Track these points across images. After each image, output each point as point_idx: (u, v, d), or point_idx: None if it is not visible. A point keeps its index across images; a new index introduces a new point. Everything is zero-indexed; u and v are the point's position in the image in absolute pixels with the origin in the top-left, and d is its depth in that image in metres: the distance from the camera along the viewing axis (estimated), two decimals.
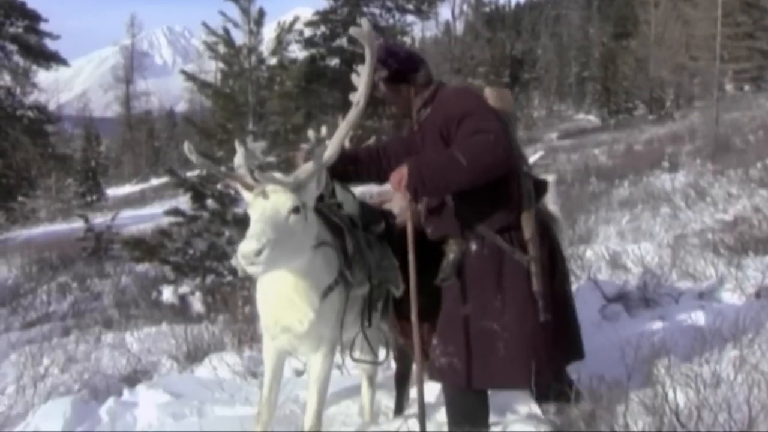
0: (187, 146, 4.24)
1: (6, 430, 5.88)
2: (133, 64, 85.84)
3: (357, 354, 5.09)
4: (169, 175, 13.80)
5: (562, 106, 72.44)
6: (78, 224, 22.38)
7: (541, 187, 4.63)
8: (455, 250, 4.48)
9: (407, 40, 44.96)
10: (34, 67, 36.18)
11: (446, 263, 4.49)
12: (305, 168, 4.24)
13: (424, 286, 4.46)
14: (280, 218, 4.04)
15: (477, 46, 64.89)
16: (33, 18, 35.60)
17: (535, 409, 4.63)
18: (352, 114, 4.39)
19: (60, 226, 32.30)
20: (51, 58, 36.13)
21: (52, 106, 40.29)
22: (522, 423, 4.53)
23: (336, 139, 4.40)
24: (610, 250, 9.03)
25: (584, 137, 41.64)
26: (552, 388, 4.32)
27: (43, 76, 38.22)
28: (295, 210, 4.08)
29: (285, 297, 4.42)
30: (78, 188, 54.31)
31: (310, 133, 4.69)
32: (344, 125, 4.39)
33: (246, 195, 4.29)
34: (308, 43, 40.70)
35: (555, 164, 27.03)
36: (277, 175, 4.24)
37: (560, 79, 72.06)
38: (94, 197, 53.37)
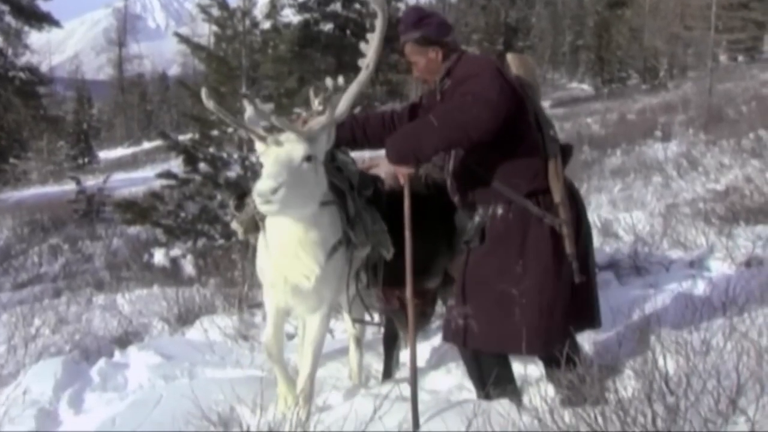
0: (204, 92, 4.38)
1: None
2: (125, 27, 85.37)
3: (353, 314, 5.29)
4: (162, 138, 13.76)
5: (556, 75, 72.28)
6: (70, 186, 22.37)
7: (567, 151, 4.68)
8: (481, 214, 4.51)
9: (401, 5, 44.70)
10: (26, 28, 35.90)
11: (471, 226, 4.55)
12: (318, 120, 4.40)
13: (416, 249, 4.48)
14: (294, 164, 4.20)
15: (471, 13, 64.94)
16: None
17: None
18: (363, 75, 4.53)
19: (52, 188, 32.28)
20: (43, 19, 35.84)
21: (44, 68, 40.12)
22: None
23: (347, 96, 4.51)
24: (602, 218, 9.05)
25: (577, 106, 41.61)
26: (562, 354, 4.33)
27: (35, 37, 37.97)
28: (308, 159, 4.26)
29: (291, 252, 4.53)
30: (70, 151, 54.21)
31: (328, 82, 4.54)
32: (355, 85, 4.50)
33: (259, 145, 4.42)
34: (302, 7, 40.54)
35: None
36: (293, 124, 4.37)
37: (554, 47, 71.81)
38: (86, 160, 53.27)
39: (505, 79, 4.33)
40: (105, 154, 57.64)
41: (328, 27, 41.55)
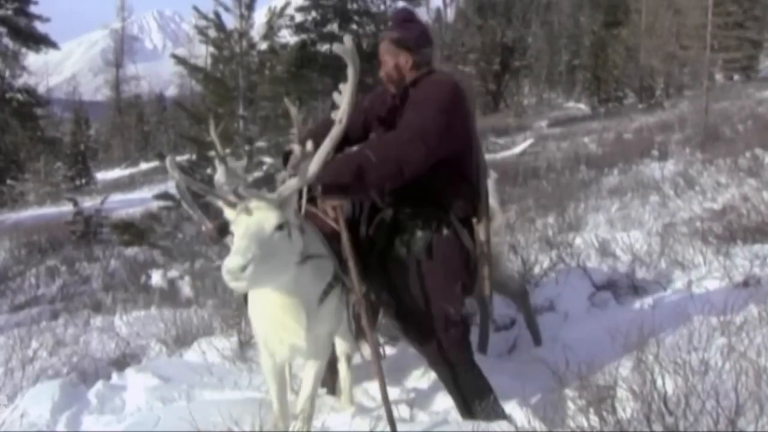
0: (169, 161, 4.22)
1: None
2: (123, 48, 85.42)
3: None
4: (159, 160, 13.86)
5: (552, 94, 72.41)
6: (67, 208, 22.33)
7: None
8: (425, 231, 4.58)
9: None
10: (24, 49, 36.02)
11: (415, 240, 4.59)
12: (288, 185, 4.10)
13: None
14: (265, 235, 3.91)
15: (468, 32, 64.94)
16: (23, 0, 35.45)
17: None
18: (336, 131, 4.18)
19: (49, 210, 32.24)
20: (41, 41, 35.98)
21: (41, 90, 40.23)
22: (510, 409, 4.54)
23: (319, 155, 4.15)
24: (599, 237, 9.05)
25: (574, 125, 41.60)
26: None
27: (32, 59, 38.10)
28: (280, 227, 3.95)
29: (275, 319, 4.38)
30: (67, 172, 54.19)
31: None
32: (328, 142, 4.16)
33: (228, 212, 4.12)
34: (299, 28, 40.54)
35: (545, 152, 27.06)
36: (261, 192, 4.10)
37: (550, 67, 71.98)
38: (83, 181, 53.24)
39: (456, 114, 4.43)
40: (102, 175, 57.63)
41: (325, 47, 41.57)
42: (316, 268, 4.37)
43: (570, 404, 4.34)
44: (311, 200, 4.57)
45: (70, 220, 18.19)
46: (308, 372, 4.76)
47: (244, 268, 3.70)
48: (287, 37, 38.97)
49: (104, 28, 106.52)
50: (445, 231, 4.58)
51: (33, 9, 35.81)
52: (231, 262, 3.71)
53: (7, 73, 35.61)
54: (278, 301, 4.27)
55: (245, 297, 4.73)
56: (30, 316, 9.65)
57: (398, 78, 4.71)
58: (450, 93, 4.50)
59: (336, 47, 4.06)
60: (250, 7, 13.42)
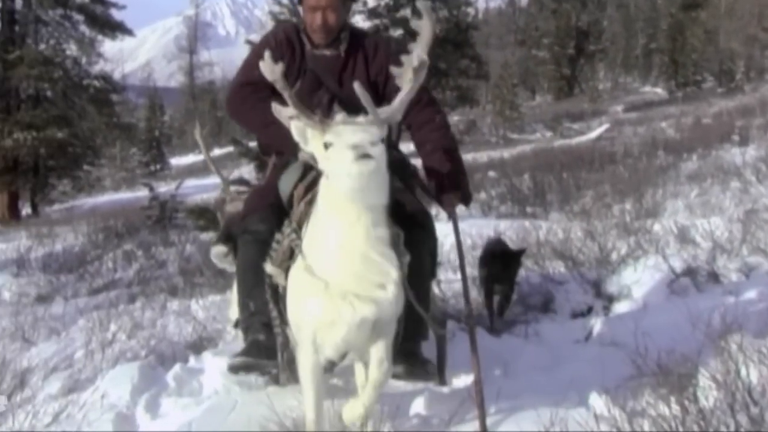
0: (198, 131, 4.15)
1: (76, 393, 5.94)
2: (196, 35, 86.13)
3: None
4: (233, 145, 13.86)
5: (628, 79, 71.67)
6: (142, 193, 22.58)
7: None
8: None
9: (470, 11, 44.56)
10: (100, 36, 36.42)
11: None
12: (387, 109, 3.86)
13: None
14: (378, 135, 3.63)
15: (541, 17, 64.66)
16: None
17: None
18: (417, 81, 3.93)
19: (125, 195, 32.75)
20: (116, 28, 36.33)
21: (117, 76, 40.65)
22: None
23: (399, 99, 3.91)
24: (678, 224, 8.90)
25: (651, 110, 41.13)
26: None
27: (108, 45, 38.41)
28: (382, 140, 3.65)
29: (358, 255, 3.76)
30: (142, 157, 55.04)
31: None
32: (414, 85, 3.93)
33: (316, 135, 3.77)
34: (371, 13, 40.47)
35: (621, 137, 26.79)
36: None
37: (626, 50, 71.29)
38: (158, 166, 54.01)
39: None
40: (176, 161, 58.27)
41: (397, 32, 41.48)
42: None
43: (650, 392, 4.26)
44: None
45: (146, 205, 18.36)
46: (376, 355, 4.08)
47: (374, 144, 3.51)
48: (360, 22, 39.06)
49: (178, 15, 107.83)
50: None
51: None
52: (359, 136, 3.51)
53: (84, 60, 36.01)
54: (365, 235, 3.73)
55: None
56: (108, 300, 9.76)
57: (334, 30, 4.72)
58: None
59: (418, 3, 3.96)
60: None
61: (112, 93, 36.74)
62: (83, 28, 35.61)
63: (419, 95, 4.35)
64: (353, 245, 3.75)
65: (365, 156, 3.46)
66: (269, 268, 4.32)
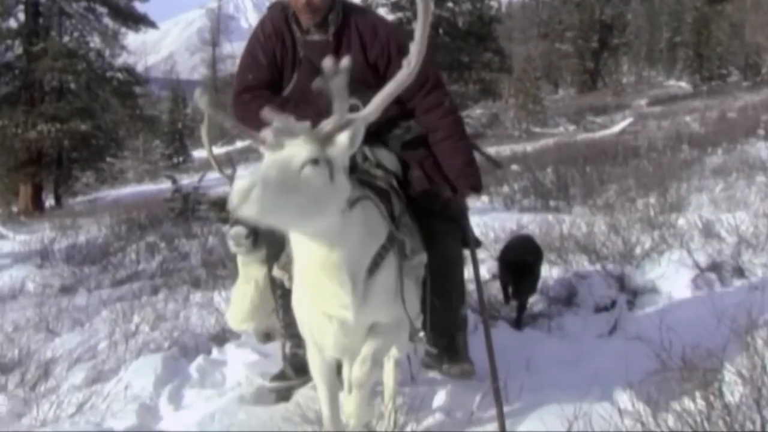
0: (198, 92, 3.73)
1: (99, 384, 5.97)
2: (219, 27, 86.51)
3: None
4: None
5: (652, 73, 71.40)
6: (165, 185, 22.70)
7: None
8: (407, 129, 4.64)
9: (494, 4, 44.52)
10: (123, 29, 36.60)
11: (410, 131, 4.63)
12: (332, 119, 3.40)
13: None
14: (290, 166, 3.19)
15: (565, 10, 64.42)
16: None
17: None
18: (403, 74, 3.52)
19: (147, 187, 32.86)
20: (140, 21, 36.54)
21: (140, 68, 40.85)
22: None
23: (380, 97, 3.53)
24: (702, 218, 8.83)
25: (675, 104, 40.90)
26: None
27: (131, 38, 38.64)
28: (313, 162, 3.23)
29: (315, 283, 3.63)
30: (165, 150, 55.33)
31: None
32: (392, 84, 3.53)
33: (262, 150, 3.47)
34: (395, 6, 40.50)
35: (645, 131, 26.65)
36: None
37: (650, 44, 70.99)
38: (181, 159, 54.28)
39: None
40: (199, 153, 58.31)
41: None
42: (370, 217, 3.73)
43: (675, 387, 4.24)
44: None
45: (169, 197, 18.39)
46: (362, 353, 3.92)
47: (249, 190, 3.00)
48: (383, 15, 39.03)
49: (201, 8, 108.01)
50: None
51: None
52: (237, 185, 3.07)
53: (107, 53, 36.23)
54: (318, 257, 3.52)
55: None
56: (131, 291, 9.79)
57: (320, 9, 4.42)
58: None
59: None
60: None
61: (135, 85, 37.02)
62: (107, 21, 35.92)
63: (425, 76, 4.29)
64: (305, 268, 3.66)
65: (241, 202, 3.06)
66: (276, 270, 4.26)
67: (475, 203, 12.29)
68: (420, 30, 3.42)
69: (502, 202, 13.13)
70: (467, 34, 40.36)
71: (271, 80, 4.60)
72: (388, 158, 4.48)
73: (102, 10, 35.77)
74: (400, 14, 40.40)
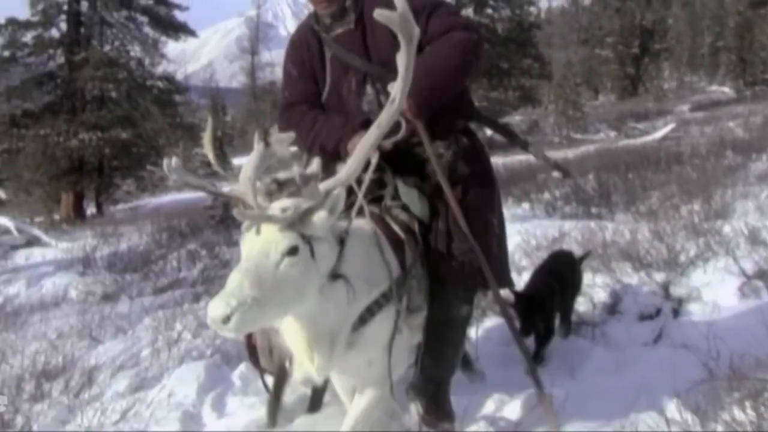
0: (166, 164, 3.68)
1: (143, 391, 5.99)
2: (258, 35, 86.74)
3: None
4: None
5: (694, 78, 70.95)
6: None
7: None
8: (446, 146, 4.22)
9: (533, 10, 44.43)
10: (163, 38, 36.87)
11: (446, 159, 4.18)
12: (309, 191, 3.33)
13: None
14: (268, 266, 3.14)
15: (605, 15, 64.23)
16: None
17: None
18: (385, 116, 3.43)
19: (188, 195, 32.90)
20: (180, 29, 36.79)
21: (179, 77, 41.07)
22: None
23: (360, 150, 3.47)
24: (748, 225, 8.72)
25: (718, 109, 40.54)
26: None
27: (170, 46, 38.88)
28: (291, 251, 3.18)
29: (299, 346, 3.58)
30: (204, 157, 55.39)
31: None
32: (374, 130, 3.45)
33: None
34: None
35: (687, 137, 26.44)
36: (275, 206, 3.32)
37: (692, 49, 70.53)
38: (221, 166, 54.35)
39: None
40: (238, 161, 58.43)
41: None
42: (359, 282, 3.56)
43: (723, 397, 4.18)
44: (375, 200, 4.09)
45: (209, 205, 18.46)
46: (357, 400, 3.99)
47: (227, 319, 2.97)
48: None
49: (239, 16, 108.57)
50: (465, 140, 4.31)
51: None
52: (213, 310, 3.00)
53: (147, 61, 36.49)
54: (299, 327, 3.51)
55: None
56: (173, 299, 9.80)
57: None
58: None
59: (377, 14, 3.21)
60: None
61: (175, 93, 37.25)
62: (147, 30, 36.20)
63: (448, 26, 4.09)
64: (295, 336, 3.57)
65: (221, 330, 3.04)
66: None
67: (516, 210, 12.27)
68: (404, 64, 3.34)
69: (543, 209, 13.07)
70: (507, 40, 40.30)
71: (305, 92, 4.47)
72: (417, 201, 4.18)
73: (142, 19, 36.06)
74: None
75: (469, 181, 4.21)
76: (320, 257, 3.33)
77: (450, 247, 4.11)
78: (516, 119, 47.92)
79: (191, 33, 37.57)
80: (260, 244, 3.20)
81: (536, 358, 5.63)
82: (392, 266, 3.81)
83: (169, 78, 37.11)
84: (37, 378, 6.41)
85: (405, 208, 4.16)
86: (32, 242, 17.99)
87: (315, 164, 3.75)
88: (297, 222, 3.24)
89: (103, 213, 33.81)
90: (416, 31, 3.29)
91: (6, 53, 33.70)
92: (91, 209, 35.26)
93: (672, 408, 4.23)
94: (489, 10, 41.25)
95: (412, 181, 4.22)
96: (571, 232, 9.58)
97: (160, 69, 37.17)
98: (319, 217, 3.28)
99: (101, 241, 16.30)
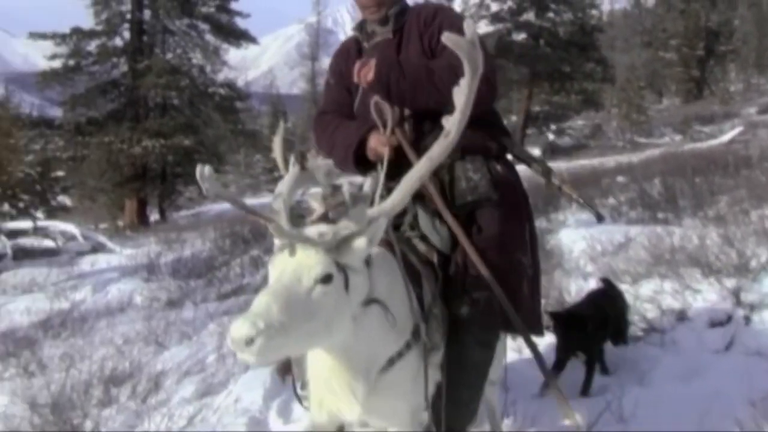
0: (199, 171, 3.29)
1: (209, 397, 6.04)
2: (318, 42, 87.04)
3: None
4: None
5: (762, 80, 69.78)
6: (267, 199, 22.80)
7: None
8: (476, 169, 3.91)
9: (595, 12, 44.09)
10: (225, 45, 37.21)
11: (474, 182, 3.88)
12: (356, 214, 3.08)
13: None
14: (300, 291, 2.87)
15: (669, 17, 63.54)
16: None
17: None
18: (438, 149, 3.13)
19: (250, 201, 33.09)
20: (241, 36, 37.14)
21: (240, 84, 41.38)
22: None
23: (407, 182, 3.16)
24: None
25: None
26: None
27: (231, 53, 39.23)
28: (325, 279, 2.91)
29: (326, 383, 3.38)
30: (266, 164, 55.72)
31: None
32: (424, 163, 3.14)
33: (276, 240, 3.14)
34: (495, 18, 40.39)
35: (756, 140, 26.04)
36: (311, 230, 3.09)
37: (759, 50, 69.38)
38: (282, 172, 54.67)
39: None
40: None
41: (521, 37, 41.29)
42: (387, 320, 3.27)
43: None
44: (393, 228, 3.66)
45: None
46: None
47: (251, 341, 2.68)
48: (482, 27, 38.94)
49: (299, 23, 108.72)
50: (498, 167, 3.98)
51: (234, 5, 37.05)
52: (235, 330, 2.71)
53: (209, 69, 36.82)
54: (328, 360, 3.29)
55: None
56: (237, 305, 9.80)
57: (386, 2, 4.13)
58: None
59: (446, 37, 2.95)
60: None
61: (236, 100, 37.60)
62: (208, 37, 36.57)
63: None
64: (321, 371, 3.39)
65: (242, 352, 2.75)
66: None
67: (580, 215, 12.14)
68: (464, 95, 3.06)
69: (608, 214, 12.92)
70: (569, 44, 40.13)
71: (337, 100, 4.37)
72: (437, 230, 3.93)
73: (204, 26, 36.46)
74: (500, 25, 40.29)
75: (496, 213, 3.93)
76: (354, 288, 3.07)
77: (466, 283, 3.82)
78: (578, 123, 47.69)
79: (252, 40, 37.89)
80: (293, 267, 2.93)
81: (586, 391, 5.45)
82: (414, 301, 3.50)
83: (230, 85, 37.43)
84: (105, 383, 6.48)
85: (424, 237, 3.92)
86: (97, 249, 18.26)
87: (367, 184, 3.47)
88: (334, 248, 3.00)
89: (166, 219, 34.21)
90: (482, 62, 3.03)
91: (71, 62, 34.29)
92: (154, 216, 35.69)
93: (747, 418, 4.14)
94: (551, 14, 41.08)
95: (432, 209, 3.92)
96: (637, 238, 9.45)
97: (222, 76, 37.51)
98: (358, 245, 3.04)
99: (165, 248, 16.44)
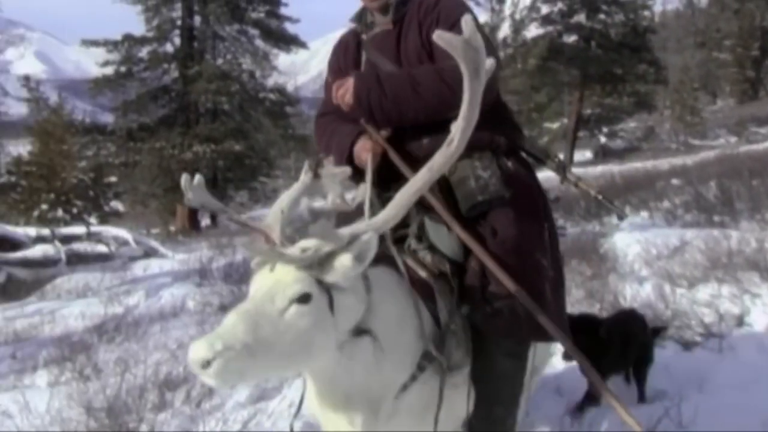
0: (184, 180, 3.13)
1: (263, 402, 6.05)
2: None
3: None
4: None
5: None
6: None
7: None
8: (485, 166, 3.63)
9: (647, 13, 43.71)
10: (274, 50, 37.41)
11: (484, 181, 3.59)
12: (318, 230, 2.82)
13: None
14: (271, 311, 2.69)
15: (723, 17, 62.89)
16: (274, 2, 36.88)
17: None
18: (440, 159, 2.89)
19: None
20: (291, 41, 37.38)
21: (290, 88, 41.56)
22: None
23: (403, 195, 2.93)
24: None
25: None
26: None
27: (281, 58, 39.42)
28: (302, 299, 2.72)
29: (327, 402, 3.15)
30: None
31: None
32: (424, 174, 2.91)
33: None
34: (545, 20, 40.18)
35: None
36: (299, 245, 2.89)
37: None
38: None
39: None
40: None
41: (572, 39, 41.02)
42: (376, 354, 3.05)
43: None
44: (397, 241, 3.54)
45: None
46: None
47: (207, 364, 2.51)
48: (533, 29, 38.80)
49: (348, 27, 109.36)
50: (509, 163, 3.72)
51: (283, 10, 37.32)
52: (194, 351, 2.54)
53: (259, 74, 37.03)
54: (322, 386, 3.12)
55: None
56: None
57: None
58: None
59: (437, 36, 2.63)
60: (502, 0, 13.30)
61: (286, 105, 37.86)
62: (258, 42, 36.87)
63: None
64: (319, 395, 3.17)
65: (200, 374, 2.57)
66: None
67: (634, 218, 12.00)
68: (467, 101, 2.81)
69: (662, 217, 12.76)
70: (621, 45, 39.84)
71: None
72: (446, 238, 3.60)
73: (254, 32, 36.77)
74: (550, 27, 40.06)
75: (511, 213, 3.63)
76: (341, 310, 2.86)
77: (485, 291, 3.51)
78: (631, 126, 47.30)
79: (302, 45, 38.08)
80: (269, 284, 2.78)
81: (642, 397, 5.28)
82: (426, 320, 3.30)
83: (280, 90, 37.68)
84: (159, 388, 6.49)
85: (432, 248, 3.58)
86: (149, 253, 18.36)
87: (329, 199, 3.37)
88: (316, 266, 2.80)
89: (218, 224, 34.38)
90: (484, 61, 2.77)
91: (122, 69, 34.71)
92: (205, 221, 35.93)
93: None
94: (602, 15, 40.80)
95: (439, 216, 3.58)
96: (693, 241, 9.31)
97: (271, 81, 37.81)
98: (341, 262, 2.79)
99: (216, 252, 16.47)
